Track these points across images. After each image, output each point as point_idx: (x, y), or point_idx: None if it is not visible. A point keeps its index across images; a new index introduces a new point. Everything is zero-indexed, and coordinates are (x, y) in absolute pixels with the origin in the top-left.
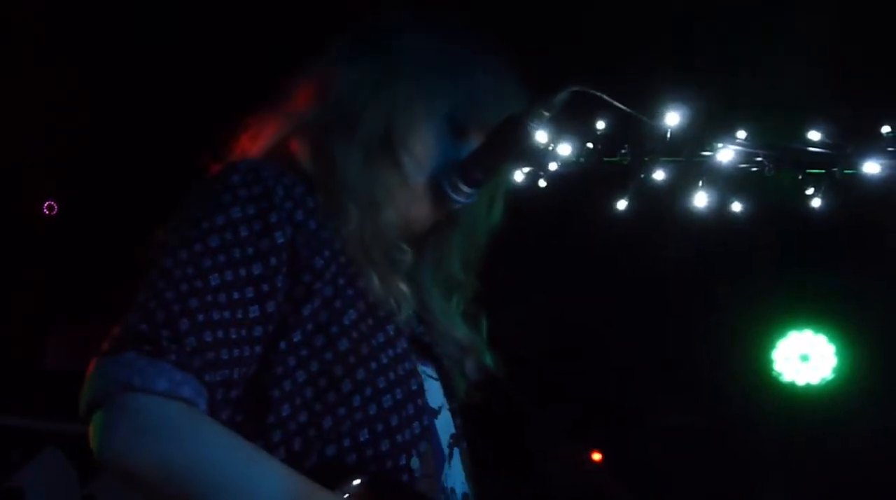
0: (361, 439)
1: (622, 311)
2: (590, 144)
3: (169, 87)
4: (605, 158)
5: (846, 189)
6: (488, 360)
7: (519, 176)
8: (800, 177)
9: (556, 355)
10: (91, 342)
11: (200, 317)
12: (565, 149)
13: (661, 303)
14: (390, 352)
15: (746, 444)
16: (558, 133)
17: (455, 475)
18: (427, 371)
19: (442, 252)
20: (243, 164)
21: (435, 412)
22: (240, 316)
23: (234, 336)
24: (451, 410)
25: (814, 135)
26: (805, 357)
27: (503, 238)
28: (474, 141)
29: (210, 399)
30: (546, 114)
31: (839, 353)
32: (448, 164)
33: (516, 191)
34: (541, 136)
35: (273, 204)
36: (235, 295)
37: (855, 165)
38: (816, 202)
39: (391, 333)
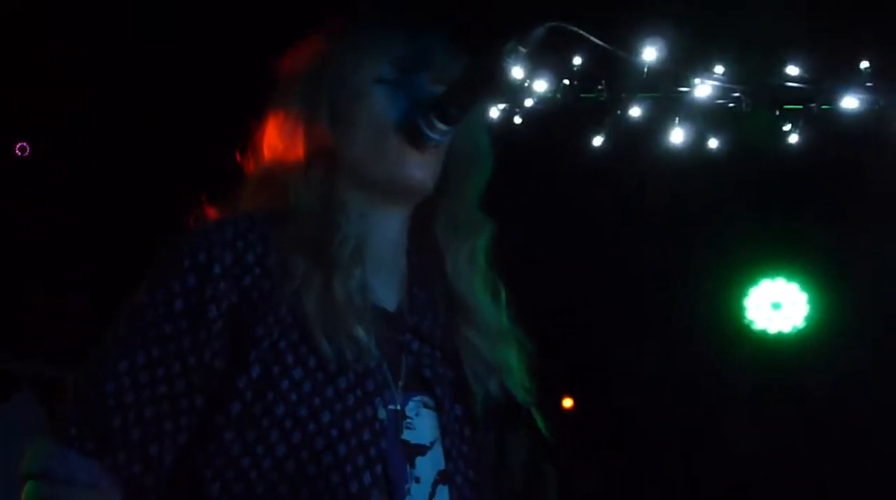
0: (303, 499)
1: (593, 252)
2: (566, 81)
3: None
4: (582, 94)
5: (822, 129)
6: (515, 387)
7: (494, 112)
8: (777, 113)
9: (523, 295)
10: (68, 288)
11: (111, 402)
12: (541, 85)
13: (632, 248)
14: (338, 406)
15: (718, 392)
16: (534, 69)
17: None
18: (424, 402)
19: (453, 196)
20: (195, 232)
21: (422, 449)
22: (162, 391)
23: (149, 414)
24: (445, 443)
25: (792, 70)
26: (777, 305)
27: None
28: (423, 79)
29: (122, 476)
30: (522, 49)
31: (811, 301)
32: (420, 102)
33: (491, 128)
34: (517, 72)
35: (211, 275)
36: (160, 371)
37: (833, 100)
38: (794, 139)
39: (343, 385)
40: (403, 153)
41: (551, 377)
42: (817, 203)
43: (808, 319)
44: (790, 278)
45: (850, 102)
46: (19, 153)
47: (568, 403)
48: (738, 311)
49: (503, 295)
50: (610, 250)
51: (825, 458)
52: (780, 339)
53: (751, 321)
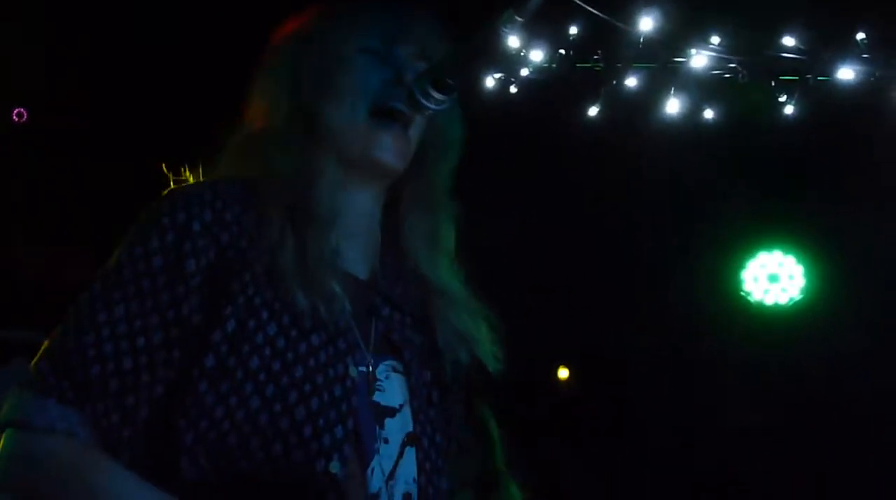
0: (275, 452)
1: (589, 223)
2: (562, 50)
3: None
4: (578, 64)
5: (818, 100)
6: (486, 356)
7: (490, 82)
8: (773, 84)
9: (521, 266)
10: (64, 256)
11: (91, 352)
12: (537, 55)
13: (629, 219)
14: (311, 362)
15: (714, 364)
16: (530, 38)
17: (402, 474)
18: (394, 366)
19: (422, 177)
20: (175, 192)
21: (391, 411)
22: (140, 344)
23: (127, 365)
24: (413, 406)
25: (788, 41)
26: (774, 278)
27: (472, 145)
28: (408, 55)
29: (100, 426)
30: (518, 18)
31: (808, 274)
32: (403, 74)
33: (487, 97)
34: (513, 41)
35: (190, 232)
36: (138, 323)
37: (829, 71)
38: (789, 110)
39: (316, 342)
40: (376, 134)
41: (548, 350)
42: (814, 175)
43: (804, 291)
44: (787, 250)
45: (846, 73)
46: (17, 120)
47: (563, 373)
48: (736, 283)
49: (461, 274)
50: (606, 221)
51: (821, 430)
52: (776, 311)
53: (748, 293)
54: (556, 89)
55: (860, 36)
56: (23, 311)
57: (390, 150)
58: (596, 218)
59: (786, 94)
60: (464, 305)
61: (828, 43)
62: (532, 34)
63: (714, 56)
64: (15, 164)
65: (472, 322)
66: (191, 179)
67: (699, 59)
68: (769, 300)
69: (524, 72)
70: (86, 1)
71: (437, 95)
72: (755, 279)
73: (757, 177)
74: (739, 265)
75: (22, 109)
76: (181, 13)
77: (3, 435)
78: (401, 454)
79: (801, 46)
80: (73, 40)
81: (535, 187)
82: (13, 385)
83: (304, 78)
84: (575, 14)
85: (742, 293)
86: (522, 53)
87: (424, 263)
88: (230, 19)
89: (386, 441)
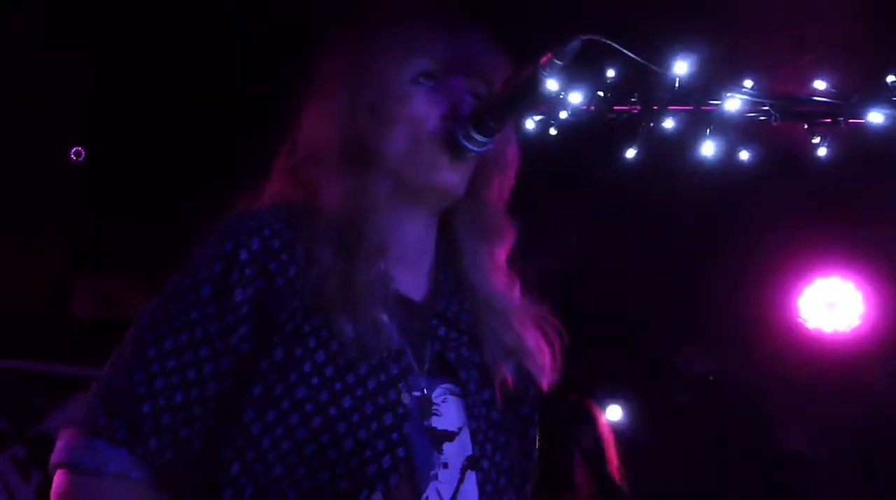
0: (322, 480)
1: (641, 260)
2: (600, 93)
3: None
4: (615, 107)
5: (851, 143)
6: (536, 368)
7: (530, 124)
8: (806, 127)
9: (570, 306)
10: (118, 290)
11: (141, 389)
12: (576, 97)
13: (682, 251)
14: (359, 392)
15: (772, 392)
16: (569, 81)
17: (463, 498)
18: (451, 389)
19: (478, 198)
20: (223, 222)
21: (450, 435)
22: (191, 376)
23: (179, 399)
24: (472, 428)
25: (819, 84)
26: (832, 304)
27: (514, 186)
28: (463, 79)
29: (154, 464)
30: (558, 62)
31: (867, 300)
32: (459, 114)
33: (527, 139)
34: (552, 84)
35: (238, 261)
36: (188, 357)
37: (860, 114)
38: (823, 152)
39: (364, 371)
40: (439, 158)
41: (600, 380)
42: (872, 200)
43: (863, 317)
44: (845, 276)
45: (876, 117)
46: (75, 159)
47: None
48: (792, 310)
49: (517, 286)
50: (661, 250)
51: (883, 458)
52: (835, 338)
53: (805, 320)
54: (594, 131)
55: (890, 79)
56: (81, 346)
57: (453, 173)
58: (650, 249)
59: (819, 136)
60: (515, 316)
61: (858, 87)
62: (570, 77)
63: (747, 100)
64: (73, 202)
65: (518, 333)
66: (241, 206)
67: (733, 103)
68: (828, 328)
69: (563, 114)
70: (143, 38)
71: (479, 138)
72: (813, 306)
73: (814, 202)
74: (796, 292)
75: (80, 148)
76: (232, 45)
77: (55, 476)
78: (461, 479)
79: (832, 90)
80: (127, 77)
81: (579, 225)
82: (65, 425)
83: (357, 105)
84: (612, 57)
85: (799, 320)
86: (562, 96)
87: (478, 279)
88: (282, 47)
89: (445, 466)
